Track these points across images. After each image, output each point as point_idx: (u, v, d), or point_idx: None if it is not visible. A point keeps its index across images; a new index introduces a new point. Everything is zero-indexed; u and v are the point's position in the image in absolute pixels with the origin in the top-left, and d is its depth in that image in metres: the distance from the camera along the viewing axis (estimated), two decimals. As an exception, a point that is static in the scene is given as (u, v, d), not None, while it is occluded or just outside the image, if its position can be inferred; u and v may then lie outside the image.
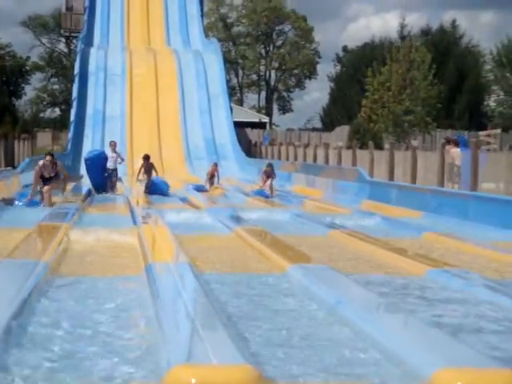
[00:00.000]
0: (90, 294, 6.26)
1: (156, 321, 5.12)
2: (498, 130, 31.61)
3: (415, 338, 4.86)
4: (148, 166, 20.39)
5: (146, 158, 20.56)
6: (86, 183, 20.47)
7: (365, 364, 4.39)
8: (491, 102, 45.79)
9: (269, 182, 19.83)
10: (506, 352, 4.74)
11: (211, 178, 22.22)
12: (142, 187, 19.92)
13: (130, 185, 22.36)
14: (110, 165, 19.31)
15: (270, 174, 20.06)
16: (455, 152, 17.64)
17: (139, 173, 20.58)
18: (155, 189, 19.33)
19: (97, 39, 38.78)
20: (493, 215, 12.22)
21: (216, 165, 23.51)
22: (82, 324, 5.16)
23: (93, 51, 36.79)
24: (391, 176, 19.89)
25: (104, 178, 19.14)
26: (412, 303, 6.21)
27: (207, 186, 21.71)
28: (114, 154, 19.91)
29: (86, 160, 19.43)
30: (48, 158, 15.36)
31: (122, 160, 20.45)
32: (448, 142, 19.30)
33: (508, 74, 41.43)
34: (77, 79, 35.08)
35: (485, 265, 8.35)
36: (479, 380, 3.90)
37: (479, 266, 8.18)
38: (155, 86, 34.83)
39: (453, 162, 17.21)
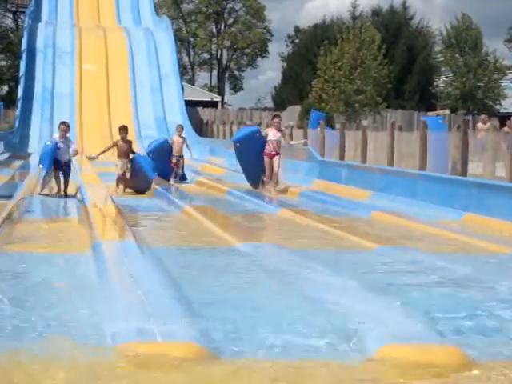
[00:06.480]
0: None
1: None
2: (447, 111, 32.02)
3: (362, 312, 4.91)
4: (127, 145, 13.70)
5: (123, 129, 13.83)
6: (34, 162, 19.99)
7: (312, 337, 4.41)
8: (440, 83, 46.23)
9: (275, 163, 14.61)
10: (449, 325, 4.82)
11: (178, 157, 16.40)
12: (118, 187, 13.78)
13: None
14: (61, 155, 12.53)
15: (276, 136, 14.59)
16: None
17: (104, 152, 14.34)
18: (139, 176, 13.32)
19: (45, 15, 37.98)
20: (438, 194, 12.40)
21: (182, 128, 17.40)
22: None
23: (41, 27, 36.04)
24: (342, 155, 19.99)
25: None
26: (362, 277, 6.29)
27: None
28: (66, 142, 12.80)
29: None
30: None
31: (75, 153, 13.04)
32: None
33: (457, 55, 41.89)
34: (24, 56, 34.38)
35: (430, 242, 8.49)
36: (422, 355, 3.97)
37: (425, 244, 8.31)
38: (105, 63, 34.34)
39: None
